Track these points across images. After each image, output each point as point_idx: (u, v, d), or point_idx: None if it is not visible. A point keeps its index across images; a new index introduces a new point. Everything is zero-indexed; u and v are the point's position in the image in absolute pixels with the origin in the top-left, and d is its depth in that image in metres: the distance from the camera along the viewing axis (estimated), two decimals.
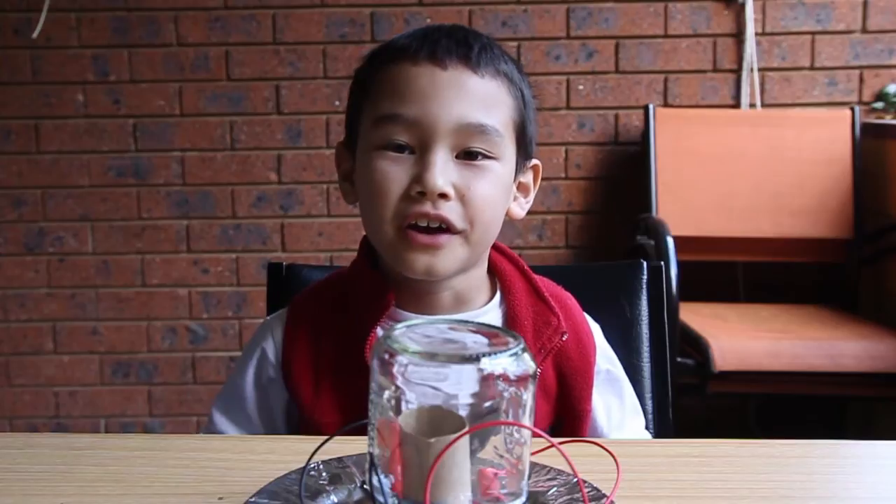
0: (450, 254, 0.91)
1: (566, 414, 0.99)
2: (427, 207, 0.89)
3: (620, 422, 1.02)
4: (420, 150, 0.90)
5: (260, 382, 0.99)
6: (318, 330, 0.97)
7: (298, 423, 0.98)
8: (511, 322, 0.97)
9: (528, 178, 1.01)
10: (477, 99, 0.91)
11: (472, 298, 0.99)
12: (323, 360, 0.96)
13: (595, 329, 1.04)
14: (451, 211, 0.90)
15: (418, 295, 0.96)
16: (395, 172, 0.90)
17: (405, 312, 0.96)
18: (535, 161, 1.01)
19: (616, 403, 1.02)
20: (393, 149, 0.91)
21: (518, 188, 1.00)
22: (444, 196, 0.89)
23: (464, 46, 0.93)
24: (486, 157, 0.91)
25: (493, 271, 1.01)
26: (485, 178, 0.91)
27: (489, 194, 0.92)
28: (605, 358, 1.03)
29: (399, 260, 0.92)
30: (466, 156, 0.91)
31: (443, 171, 0.89)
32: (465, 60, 0.92)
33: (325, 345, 0.96)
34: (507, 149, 0.94)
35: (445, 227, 0.90)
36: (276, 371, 0.98)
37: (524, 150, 0.98)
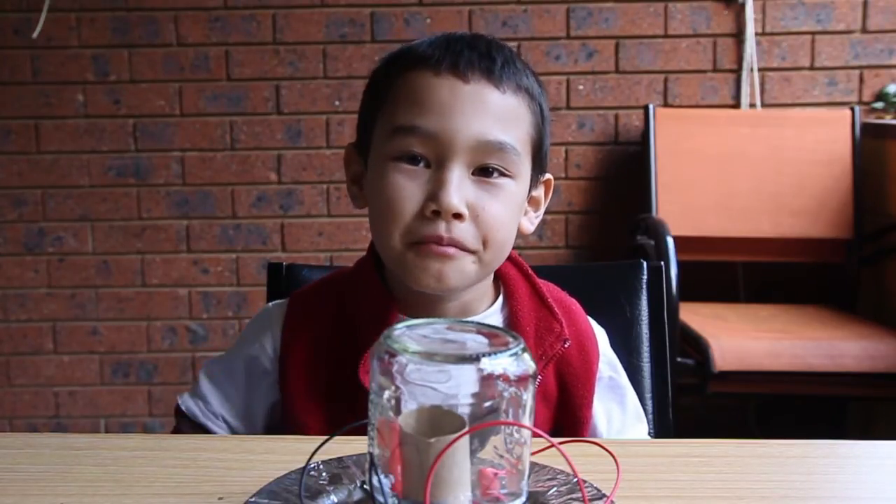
0: (460, 268, 0.90)
1: (566, 420, 0.98)
2: (441, 230, 0.88)
3: (621, 429, 1.01)
4: (436, 165, 0.89)
5: (253, 373, 0.99)
6: (317, 334, 0.97)
7: (282, 419, 0.98)
8: (513, 328, 0.96)
9: (539, 192, 1.00)
10: (497, 115, 0.90)
11: (477, 306, 0.98)
12: (319, 366, 0.95)
13: (600, 335, 1.03)
14: (464, 232, 0.89)
15: (424, 302, 0.95)
16: (409, 188, 0.89)
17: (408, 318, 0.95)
18: (547, 175, 1.01)
19: (617, 410, 1.02)
20: (408, 160, 0.89)
21: (529, 202, 0.99)
22: (458, 216, 0.88)
23: (487, 59, 0.91)
24: (501, 174, 0.91)
25: (496, 275, 1.00)
26: (498, 198, 0.90)
27: (502, 215, 0.91)
28: (609, 365, 1.02)
29: (408, 272, 0.91)
30: (482, 172, 0.90)
31: (458, 189, 0.88)
32: (488, 74, 0.90)
33: (323, 351, 0.96)
34: (524, 167, 0.93)
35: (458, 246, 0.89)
36: (271, 364, 0.98)
37: (539, 165, 0.97)
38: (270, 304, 1.04)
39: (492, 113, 0.90)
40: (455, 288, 0.92)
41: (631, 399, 1.03)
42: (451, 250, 0.89)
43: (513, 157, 0.90)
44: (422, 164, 0.89)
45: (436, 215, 0.88)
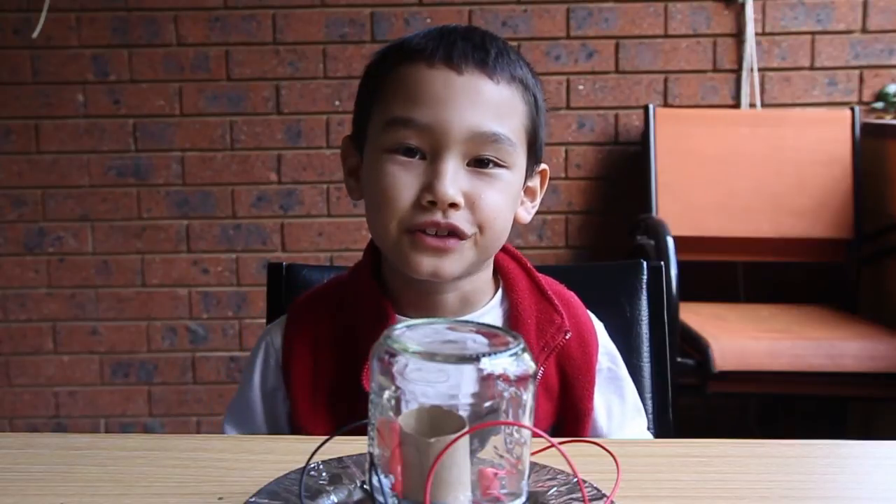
0: (457, 257, 0.90)
1: (568, 413, 0.98)
2: (437, 217, 0.88)
3: (621, 422, 1.02)
4: (431, 156, 0.89)
5: (266, 390, 0.99)
6: (317, 342, 0.97)
7: (293, 431, 0.98)
8: (514, 320, 0.97)
9: (535, 182, 1.01)
10: (491, 107, 0.90)
11: (477, 300, 0.98)
12: (321, 373, 0.96)
13: (598, 327, 1.03)
14: (460, 219, 0.89)
15: (422, 297, 0.96)
16: (405, 178, 0.89)
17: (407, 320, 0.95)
18: (543, 166, 1.01)
19: (617, 403, 1.02)
20: (403, 152, 0.90)
21: (525, 193, 0.99)
22: (454, 206, 0.88)
23: (480, 51, 0.91)
24: (497, 165, 0.91)
25: (496, 270, 1.01)
26: (494, 187, 0.91)
27: (499, 203, 0.91)
28: (608, 356, 1.03)
29: (405, 261, 0.91)
30: (477, 163, 0.90)
31: (454, 180, 0.88)
32: (482, 65, 0.91)
33: (323, 358, 0.96)
34: (519, 157, 0.93)
35: (455, 234, 0.90)
36: (277, 378, 0.98)
37: (534, 155, 0.97)
38: (268, 325, 1.05)
39: (486, 104, 0.90)
40: (453, 276, 0.92)
41: (630, 391, 1.04)
42: (450, 242, 0.89)
43: (507, 147, 0.91)
44: (417, 157, 0.90)
45: (432, 205, 0.88)
